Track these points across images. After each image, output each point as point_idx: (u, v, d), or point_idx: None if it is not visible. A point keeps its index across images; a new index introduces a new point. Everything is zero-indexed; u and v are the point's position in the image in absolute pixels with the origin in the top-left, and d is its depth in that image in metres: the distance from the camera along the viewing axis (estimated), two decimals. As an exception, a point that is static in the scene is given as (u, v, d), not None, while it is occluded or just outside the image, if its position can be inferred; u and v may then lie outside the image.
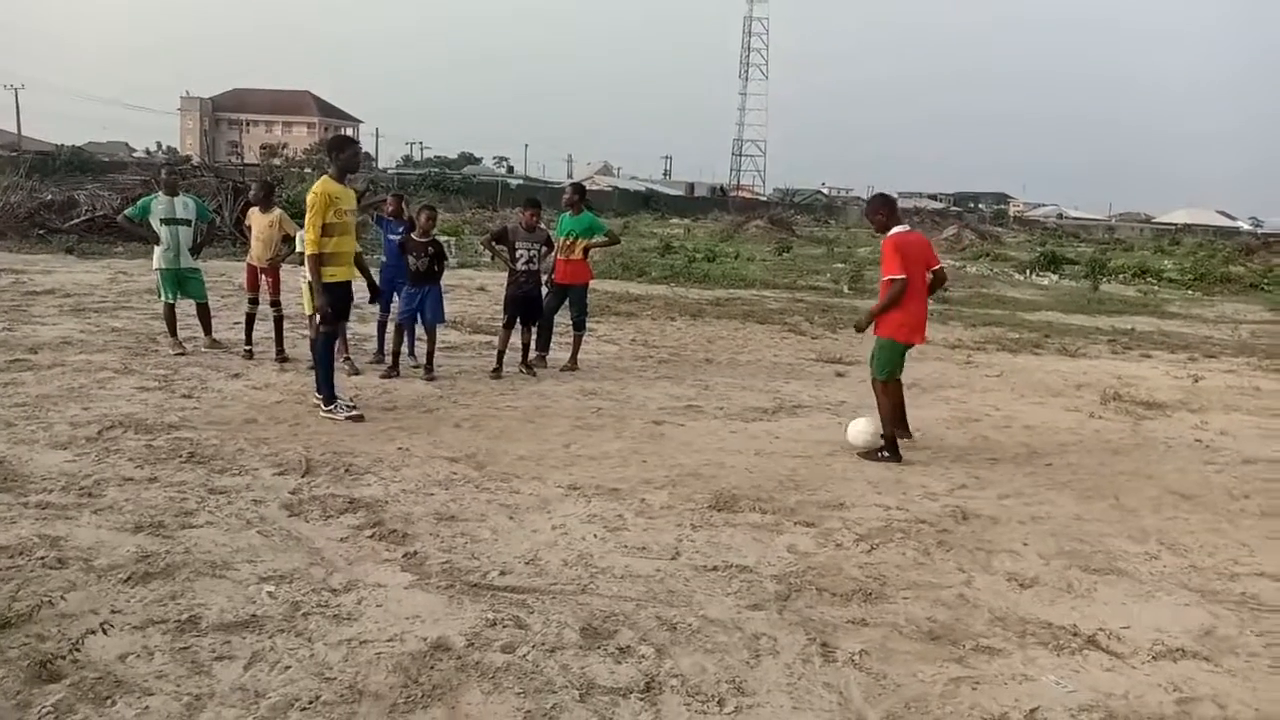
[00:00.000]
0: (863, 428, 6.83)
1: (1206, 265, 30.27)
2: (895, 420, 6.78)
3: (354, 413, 6.91)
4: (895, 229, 6.73)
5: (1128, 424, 8.31)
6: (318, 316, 7.06)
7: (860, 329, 7.06)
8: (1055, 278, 26.23)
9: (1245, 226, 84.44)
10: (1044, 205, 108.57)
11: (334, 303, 7.01)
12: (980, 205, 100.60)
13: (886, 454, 6.61)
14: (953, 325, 14.59)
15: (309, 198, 6.90)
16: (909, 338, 6.79)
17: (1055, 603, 4.37)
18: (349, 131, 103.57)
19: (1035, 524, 5.47)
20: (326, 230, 6.87)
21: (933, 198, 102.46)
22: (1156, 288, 24.83)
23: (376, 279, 8.29)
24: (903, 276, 6.55)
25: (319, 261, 6.87)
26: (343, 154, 7.12)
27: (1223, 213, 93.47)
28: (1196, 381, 10.57)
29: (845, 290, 19.09)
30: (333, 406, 6.95)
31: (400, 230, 9.20)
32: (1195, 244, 46.89)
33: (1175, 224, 76.60)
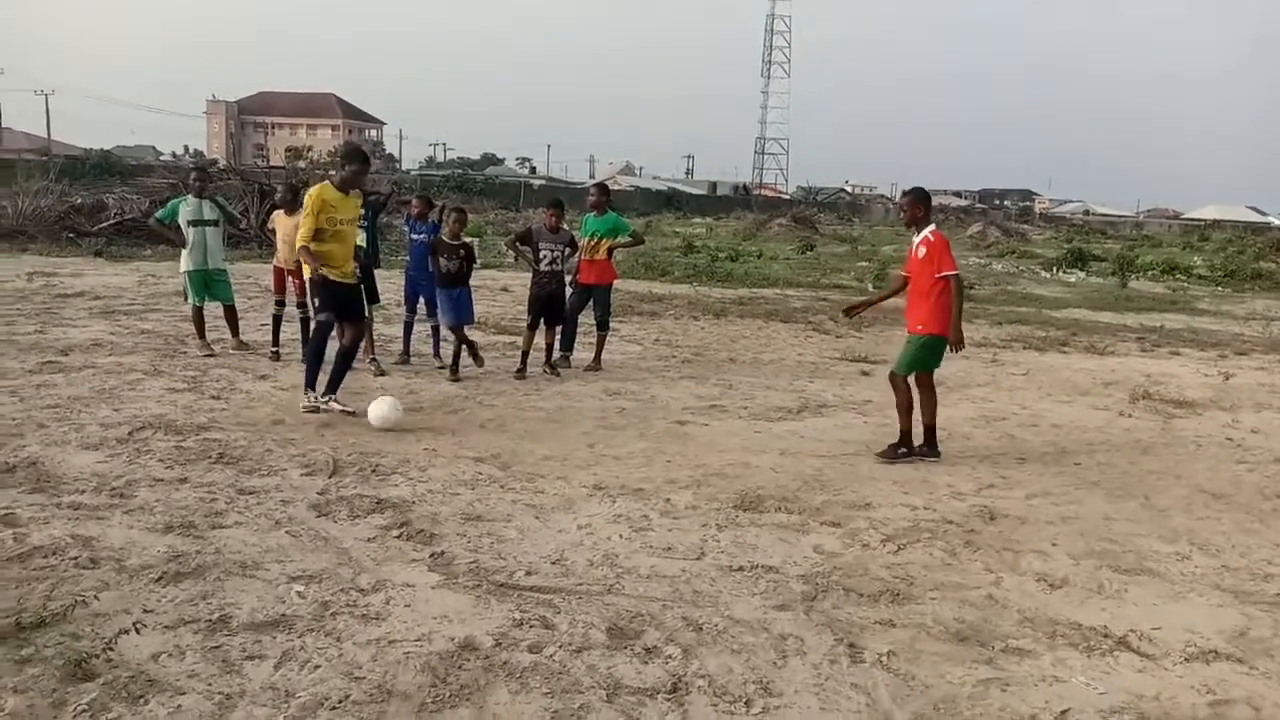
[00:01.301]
0: (382, 411, 6.63)
1: (1237, 261, 29.75)
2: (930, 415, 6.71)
3: (312, 407, 6.93)
4: (930, 226, 6.72)
5: (1157, 422, 8.22)
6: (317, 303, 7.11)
7: (961, 344, 6.77)
8: (1082, 275, 25.96)
9: (1276, 222, 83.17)
10: (1070, 202, 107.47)
11: (326, 297, 6.99)
12: (1006, 202, 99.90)
13: (925, 449, 6.64)
14: (979, 323, 14.47)
15: (306, 199, 6.94)
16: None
17: (1085, 603, 4.33)
18: (372, 133, 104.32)
19: (1064, 524, 5.43)
20: (316, 235, 6.88)
21: (958, 194, 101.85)
22: (1185, 284, 24.48)
23: (401, 280, 8.32)
24: (959, 272, 6.60)
25: (308, 254, 6.83)
26: (349, 166, 7.13)
27: (1253, 208, 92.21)
28: (1227, 379, 10.43)
29: (870, 288, 18.97)
30: (307, 394, 7.05)
31: (424, 232, 9.25)
32: (1225, 240, 46.10)
33: (1204, 220, 75.54)
